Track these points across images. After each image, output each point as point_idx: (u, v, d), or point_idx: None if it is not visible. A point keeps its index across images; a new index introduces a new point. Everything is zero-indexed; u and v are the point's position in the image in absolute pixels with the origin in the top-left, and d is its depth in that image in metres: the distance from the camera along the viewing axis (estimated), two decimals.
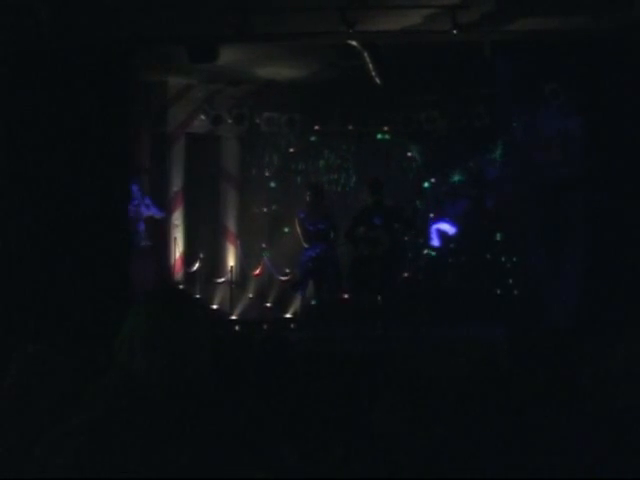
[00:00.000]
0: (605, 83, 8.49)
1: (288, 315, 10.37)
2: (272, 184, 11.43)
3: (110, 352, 2.00)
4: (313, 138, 11.34)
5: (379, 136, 11.28)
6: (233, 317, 9.96)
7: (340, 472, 2.73)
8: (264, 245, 11.27)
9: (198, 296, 10.10)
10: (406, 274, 10.37)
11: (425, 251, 10.79)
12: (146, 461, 1.82)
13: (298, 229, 8.92)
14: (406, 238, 10.19)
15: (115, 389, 1.91)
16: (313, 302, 9.10)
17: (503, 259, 10.88)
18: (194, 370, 1.93)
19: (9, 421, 2.51)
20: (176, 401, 1.89)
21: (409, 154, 11.25)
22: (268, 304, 10.94)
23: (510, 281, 10.77)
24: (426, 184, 11.20)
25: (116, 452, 1.82)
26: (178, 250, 10.81)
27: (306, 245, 8.76)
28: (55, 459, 1.85)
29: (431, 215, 10.85)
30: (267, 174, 11.43)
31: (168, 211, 10.80)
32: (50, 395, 2.58)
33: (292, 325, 10.05)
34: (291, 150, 11.37)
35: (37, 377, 2.60)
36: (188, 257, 10.92)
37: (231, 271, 10.59)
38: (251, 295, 11.01)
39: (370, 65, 8.46)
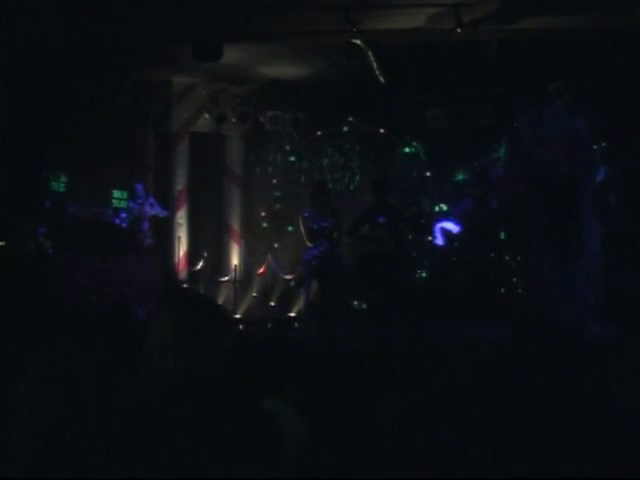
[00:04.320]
0: (611, 82, 8.47)
1: (292, 314, 10.37)
2: (275, 182, 11.41)
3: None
4: (317, 137, 11.32)
5: (383, 135, 11.25)
6: (237, 316, 9.96)
7: (342, 470, 2.73)
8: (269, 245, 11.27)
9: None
10: (409, 273, 10.37)
11: (429, 250, 10.77)
12: (174, 455, 1.90)
13: (302, 228, 8.93)
14: (410, 237, 10.18)
15: (148, 387, 2.00)
16: (317, 301, 9.08)
17: (507, 258, 10.86)
18: (218, 369, 2.05)
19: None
20: (202, 397, 1.99)
21: (413, 153, 11.21)
22: (272, 303, 10.93)
23: (514, 280, 10.75)
24: (430, 183, 11.17)
25: (147, 444, 1.90)
26: (182, 249, 10.81)
27: (309, 244, 8.75)
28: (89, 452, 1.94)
29: (436, 209, 10.83)
30: (271, 173, 11.42)
31: (172, 210, 10.80)
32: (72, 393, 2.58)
33: (296, 324, 10.04)
34: (295, 149, 11.34)
35: (57, 378, 2.60)
36: (192, 256, 10.93)
37: (235, 270, 10.59)
38: (255, 294, 11.01)
39: (374, 64, 8.46)
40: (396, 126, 11.11)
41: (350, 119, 11.16)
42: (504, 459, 2.56)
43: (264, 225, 11.39)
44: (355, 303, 10.29)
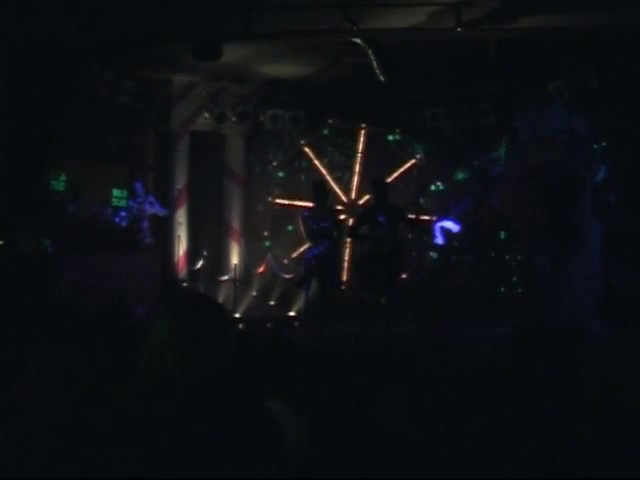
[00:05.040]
0: (611, 81, 8.46)
1: (292, 313, 10.36)
2: (276, 182, 11.39)
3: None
4: (317, 136, 11.30)
5: (383, 134, 11.23)
6: (237, 315, 9.95)
7: (342, 470, 2.73)
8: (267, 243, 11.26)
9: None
10: (410, 272, 10.37)
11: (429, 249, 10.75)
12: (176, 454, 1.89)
13: (302, 227, 8.93)
14: (410, 236, 10.17)
15: (148, 387, 2.00)
16: (317, 300, 9.07)
17: (507, 257, 10.84)
18: (218, 369, 2.03)
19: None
20: (202, 397, 1.98)
21: (413, 152, 11.18)
22: (272, 302, 10.92)
23: (514, 279, 10.73)
24: (430, 182, 11.15)
25: (151, 444, 1.89)
26: (182, 248, 10.80)
27: (309, 243, 8.75)
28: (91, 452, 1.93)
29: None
30: (271, 172, 11.40)
31: (172, 209, 10.79)
32: (70, 392, 2.59)
33: (296, 323, 10.04)
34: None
35: (56, 375, 2.60)
36: (192, 255, 10.91)
37: (235, 269, 10.58)
38: (255, 293, 10.99)
39: (374, 63, 8.43)
40: (396, 125, 11.10)
41: (350, 118, 11.15)
42: (503, 458, 2.55)
43: (264, 224, 11.37)
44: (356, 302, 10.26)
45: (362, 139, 11.32)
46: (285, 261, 11.12)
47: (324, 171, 11.03)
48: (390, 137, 11.26)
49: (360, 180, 11.28)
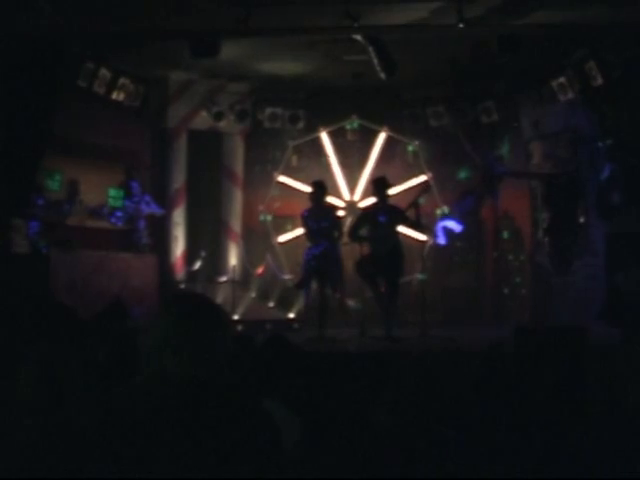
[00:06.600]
0: (615, 78, 8.40)
1: (291, 315, 10.28)
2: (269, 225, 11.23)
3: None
4: (317, 134, 11.22)
5: (384, 132, 11.15)
6: (235, 317, 9.87)
7: (342, 470, 2.70)
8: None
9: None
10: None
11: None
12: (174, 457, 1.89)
13: (302, 227, 8.87)
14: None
15: (147, 388, 2.00)
16: (317, 301, 8.98)
17: (510, 257, 10.79)
18: (217, 371, 2.03)
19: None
20: (201, 399, 1.98)
21: (415, 150, 11.08)
22: (271, 304, 10.83)
23: (517, 280, 10.68)
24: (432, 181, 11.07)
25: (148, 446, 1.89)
26: (179, 248, 10.73)
27: (310, 243, 8.68)
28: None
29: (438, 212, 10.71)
30: (270, 171, 11.30)
31: (169, 209, 10.70)
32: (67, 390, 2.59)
33: (295, 325, 9.96)
34: (294, 146, 11.22)
35: (51, 377, 2.59)
36: (190, 255, 10.83)
37: (233, 270, 10.49)
38: (253, 294, 10.90)
39: (375, 60, 8.36)
40: (398, 123, 11.03)
41: (350, 116, 11.08)
42: (505, 459, 2.54)
43: (263, 224, 11.26)
44: (355, 303, 10.18)
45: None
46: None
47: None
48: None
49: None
